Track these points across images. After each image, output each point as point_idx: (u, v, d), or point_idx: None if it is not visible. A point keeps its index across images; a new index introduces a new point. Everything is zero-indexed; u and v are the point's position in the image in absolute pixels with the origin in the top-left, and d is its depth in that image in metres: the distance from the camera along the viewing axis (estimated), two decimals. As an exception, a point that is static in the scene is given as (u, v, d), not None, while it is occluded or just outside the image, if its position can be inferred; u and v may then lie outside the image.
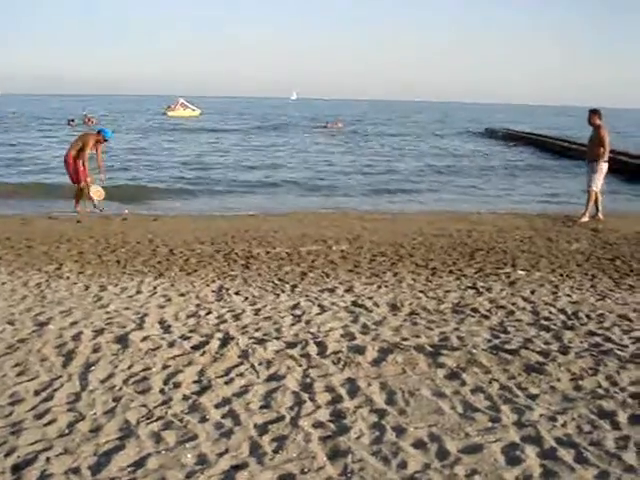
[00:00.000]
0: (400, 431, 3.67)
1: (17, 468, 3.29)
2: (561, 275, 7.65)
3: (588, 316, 5.94)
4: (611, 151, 12.33)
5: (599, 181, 11.97)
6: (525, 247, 9.42)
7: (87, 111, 60.91)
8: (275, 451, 3.45)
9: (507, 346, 5.06)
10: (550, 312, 6.06)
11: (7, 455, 3.40)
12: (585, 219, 11.91)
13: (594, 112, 12.09)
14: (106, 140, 13.00)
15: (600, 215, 12.08)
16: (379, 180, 20.37)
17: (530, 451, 3.47)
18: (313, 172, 22.14)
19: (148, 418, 3.81)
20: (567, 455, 3.43)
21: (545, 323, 5.70)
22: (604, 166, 11.94)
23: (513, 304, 6.32)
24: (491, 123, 55.55)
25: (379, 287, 7.02)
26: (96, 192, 12.71)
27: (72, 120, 50.52)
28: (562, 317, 5.90)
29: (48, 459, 3.36)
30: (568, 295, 6.71)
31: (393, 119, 75.45)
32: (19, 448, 3.47)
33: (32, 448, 3.47)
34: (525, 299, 6.53)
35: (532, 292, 6.82)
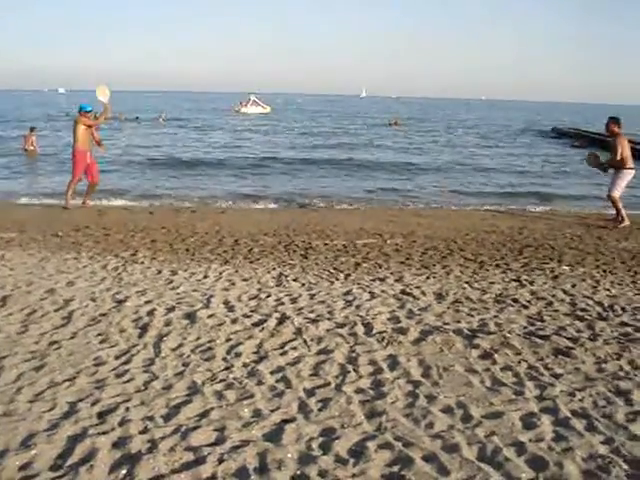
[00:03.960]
0: (431, 399, 4.13)
1: (101, 414, 3.88)
2: (604, 271, 7.94)
3: (623, 309, 6.24)
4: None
5: (619, 187, 11.76)
6: (574, 244, 9.70)
7: (161, 111, 62.39)
8: (320, 410, 3.95)
9: (540, 332, 5.45)
10: (587, 304, 6.38)
11: (93, 404, 4.00)
12: (626, 223, 11.62)
13: (613, 120, 11.77)
14: (89, 111, 12.80)
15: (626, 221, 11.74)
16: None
17: (546, 419, 3.87)
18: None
19: (212, 380, 4.38)
20: (579, 424, 3.82)
21: (580, 314, 6.03)
22: (626, 173, 11.71)
23: (553, 296, 6.66)
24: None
25: (427, 278, 7.45)
26: (103, 90, 13.04)
27: (137, 117, 51.79)
28: (598, 309, 6.22)
29: (127, 408, 3.94)
30: (607, 289, 7.01)
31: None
32: (103, 399, 4.06)
33: (113, 400, 4.06)
34: (565, 292, 6.85)
35: (573, 286, 7.14)
